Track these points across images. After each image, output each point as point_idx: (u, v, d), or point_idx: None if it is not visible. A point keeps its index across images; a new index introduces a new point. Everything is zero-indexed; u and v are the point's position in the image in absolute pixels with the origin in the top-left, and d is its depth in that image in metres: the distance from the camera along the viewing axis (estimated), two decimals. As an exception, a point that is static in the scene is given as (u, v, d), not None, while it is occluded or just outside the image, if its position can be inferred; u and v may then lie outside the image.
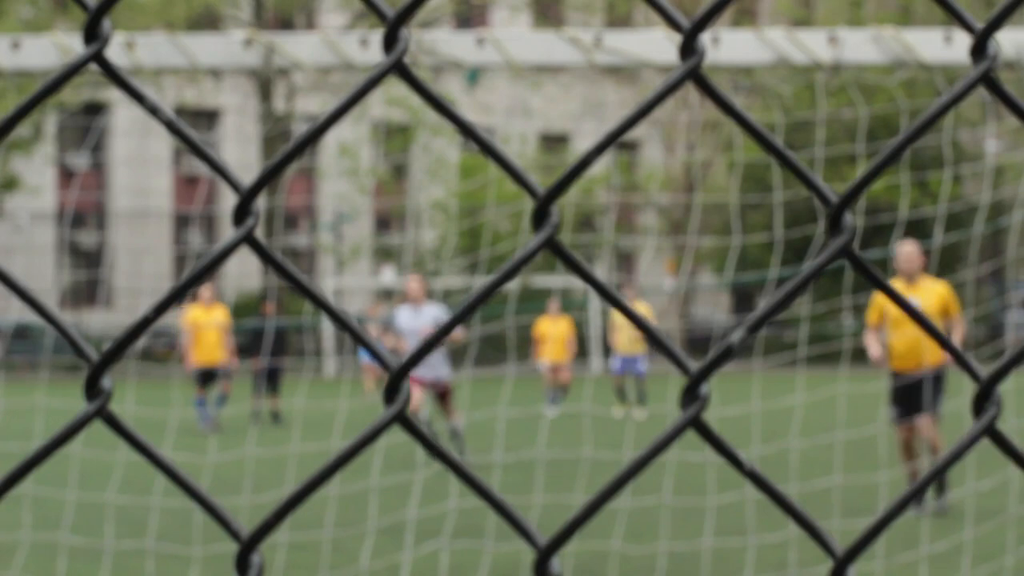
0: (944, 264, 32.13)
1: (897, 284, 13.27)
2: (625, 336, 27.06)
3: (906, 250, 13.36)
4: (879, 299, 13.53)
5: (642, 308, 27.86)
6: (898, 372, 13.44)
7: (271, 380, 25.98)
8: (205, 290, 24.38)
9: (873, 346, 13.33)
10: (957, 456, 1.36)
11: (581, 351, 43.73)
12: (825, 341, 32.00)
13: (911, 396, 13.29)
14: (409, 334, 17.14)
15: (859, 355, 18.18)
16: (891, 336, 13.43)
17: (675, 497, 12.84)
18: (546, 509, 12.45)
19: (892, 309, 13.24)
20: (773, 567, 10.55)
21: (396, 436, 17.54)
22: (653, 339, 1.37)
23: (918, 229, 18.09)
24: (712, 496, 12.69)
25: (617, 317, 27.65)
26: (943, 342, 1.42)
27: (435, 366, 17.33)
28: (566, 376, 28.08)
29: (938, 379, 13.38)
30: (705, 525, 12.00)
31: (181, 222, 58.39)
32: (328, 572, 10.48)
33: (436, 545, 11.28)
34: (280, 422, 24.74)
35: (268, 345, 25.69)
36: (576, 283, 44.63)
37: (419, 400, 17.49)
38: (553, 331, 28.28)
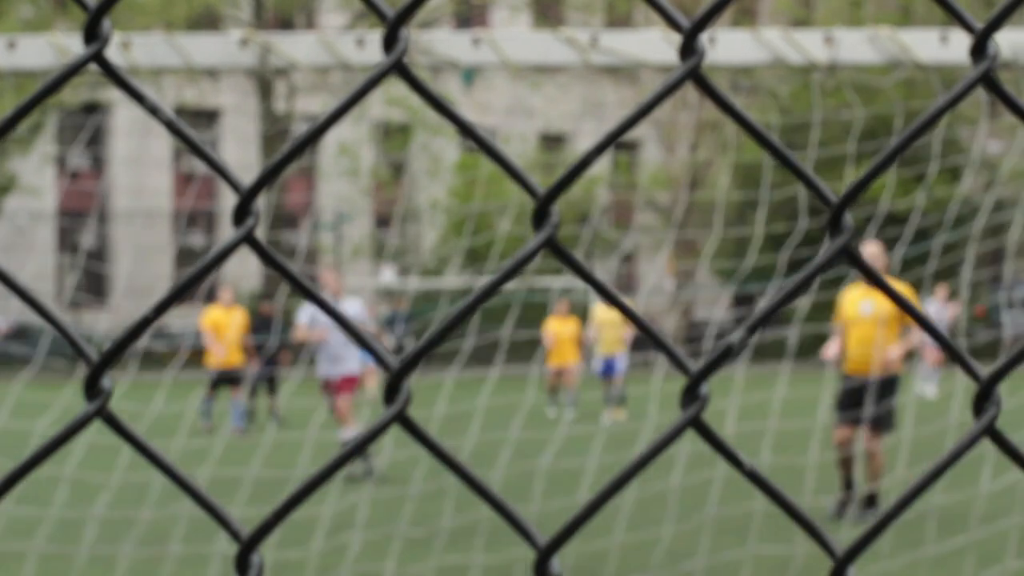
0: (942, 265, 32.07)
1: (858, 287, 13.15)
2: (608, 336, 26.25)
3: (869, 251, 12.95)
4: (843, 301, 13.40)
5: (602, 311, 26.76)
6: (850, 375, 13.20)
7: (269, 381, 25.93)
8: (225, 292, 24.54)
9: (831, 347, 13.23)
10: (957, 455, 1.36)
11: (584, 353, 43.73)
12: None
13: (859, 401, 13.02)
14: (332, 327, 16.42)
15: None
16: (846, 338, 13.23)
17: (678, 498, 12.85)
18: (546, 515, 12.44)
19: (847, 310, 13.19)
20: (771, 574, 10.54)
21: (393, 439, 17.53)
22: (653, 339, 1.37)
23: (917, 231, 18.08)
24: (711, 508, 12.68)
25: (598, 316, 26.62)
26: (943, 342, 1.42)
27: (345, 359, 16.68)
28: (571, 378, 27.26)
29: (889, 387, 13.06)
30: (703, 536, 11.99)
31: (181, 222, 58.39)
32: None
33: (427, 554, 11.27)
34: (279, 422, 24.69)
35: (270, 346, 25.68)
36: (577, 284, 44.63)
37: (347, 411, 16.70)
38: (562, 332, 27.44)
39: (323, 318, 16.56)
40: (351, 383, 16.82)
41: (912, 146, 1.28)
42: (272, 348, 25.77)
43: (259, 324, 26.96)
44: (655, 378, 12.00)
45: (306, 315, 17.02)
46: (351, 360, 16.73)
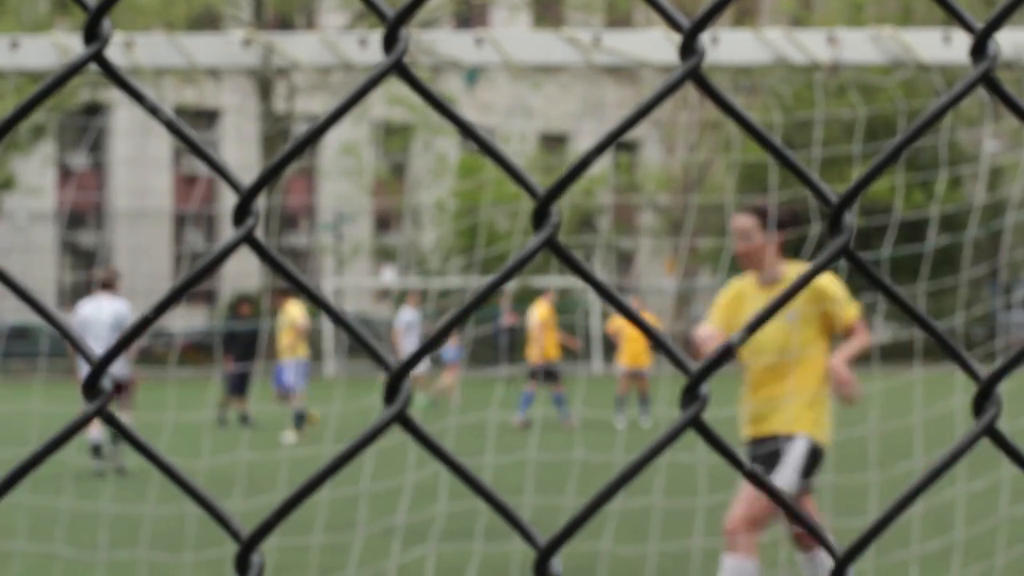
0: (941, 265, 32.19)
1: (747, 284, 7.85)
2: (284, 341, 23.25)
3: (738, 224, 7.77)
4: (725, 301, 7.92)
5: (293, 312, 23.44)
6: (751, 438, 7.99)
7: (240, 383, 25.54)
8: (549, 293, 25.46)
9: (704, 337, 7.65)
10: (957, 456, 1.36)
11: (584, 351, 43.82)
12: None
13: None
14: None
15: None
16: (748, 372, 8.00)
17: (666, 498, 12.84)
18: (536, 511, 12.45)
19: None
20: (763, 566, 10.55)
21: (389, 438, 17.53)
22: (654, 340, 1.37)
23: (917, 229, 18.10)
24: (703, 497, 12.69)
25: (286, 319, 23.54)
26: (941, 340, 1.42)
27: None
28: (645, 382, 24.93)
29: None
30: (696, 525, 12.01)
31: (180, 222, 58.42)
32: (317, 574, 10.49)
33: (424, 548, 11.29)
34: (249, 425, 24.45)
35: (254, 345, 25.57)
36: (574, 283, 44.68)
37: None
38: (633, 329, 25.20)
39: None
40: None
41: (919, 149, 1.28)
42: (245, 351, 25.54)
43: (237, 325, 26.85)
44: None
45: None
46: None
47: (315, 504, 12.93)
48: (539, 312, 24.84)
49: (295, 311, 23.34)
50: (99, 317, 17.09)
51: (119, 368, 17.16)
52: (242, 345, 25.80)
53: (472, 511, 12.06)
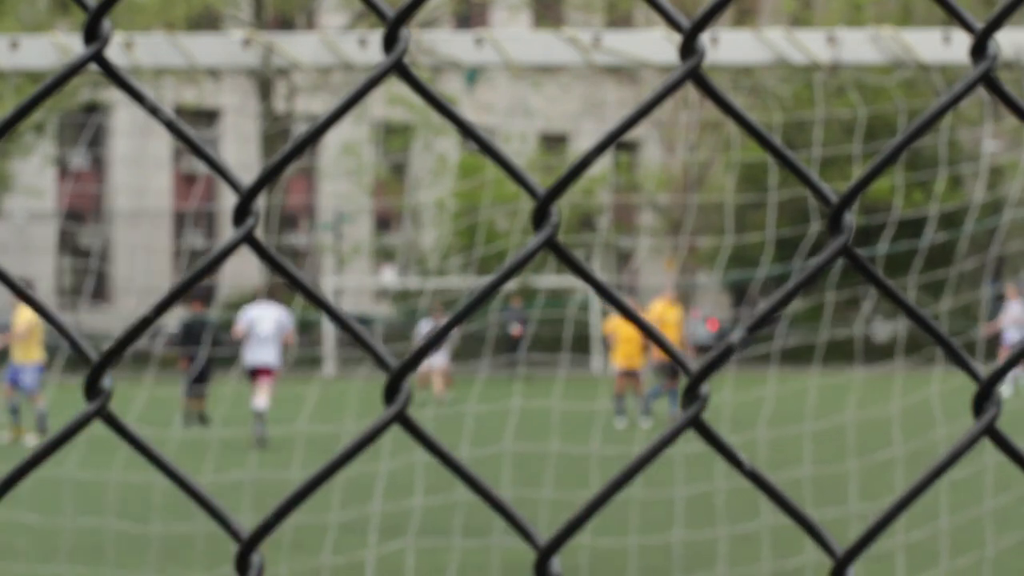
0: (940, 263, 32.15)
1: None
2: (18, 346, 22.00)
3: None
4: None
5: (22, 315, 22.44)
6: None
7: (199, 380, 24.74)
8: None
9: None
10: (957, 456, 1.36)
11: (584, 350, 43.80)
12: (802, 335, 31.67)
13: None
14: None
15: (832, 349, 18.05)
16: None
17: (645, 489, 12.79)
18: (515, 503, 12.45)
19: None
20: (754, 561, 10.55)
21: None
22: (655, 340, 1.37)
23: (916, 228, 18.11)
24: (680, 487, 12.68)
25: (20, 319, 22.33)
26: (939, 337, 1.41)
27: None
28: (639, 383, 24.70)
29: None
30: (675, 517, 12.00)
31: (180, 222, 58.39)
32: (289, 566, 10.49)
33: (402, 543, 11.29)
34: (207, 424, 23.84)
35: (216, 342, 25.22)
36: (573, 283, 44.66)
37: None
38: (627, 330, 24.24)
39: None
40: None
41: (919, 148, 1.29)
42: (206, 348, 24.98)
43: (194, 323, 26.13)
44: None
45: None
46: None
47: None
48: (660, 310, 24.68)
49: (28, 313, 22.16)
50: (263, 321, 21.64)
51: (273, 358, 21.68)
52: (196, 343, 25.07)
53: (451, 505, 12.03)
